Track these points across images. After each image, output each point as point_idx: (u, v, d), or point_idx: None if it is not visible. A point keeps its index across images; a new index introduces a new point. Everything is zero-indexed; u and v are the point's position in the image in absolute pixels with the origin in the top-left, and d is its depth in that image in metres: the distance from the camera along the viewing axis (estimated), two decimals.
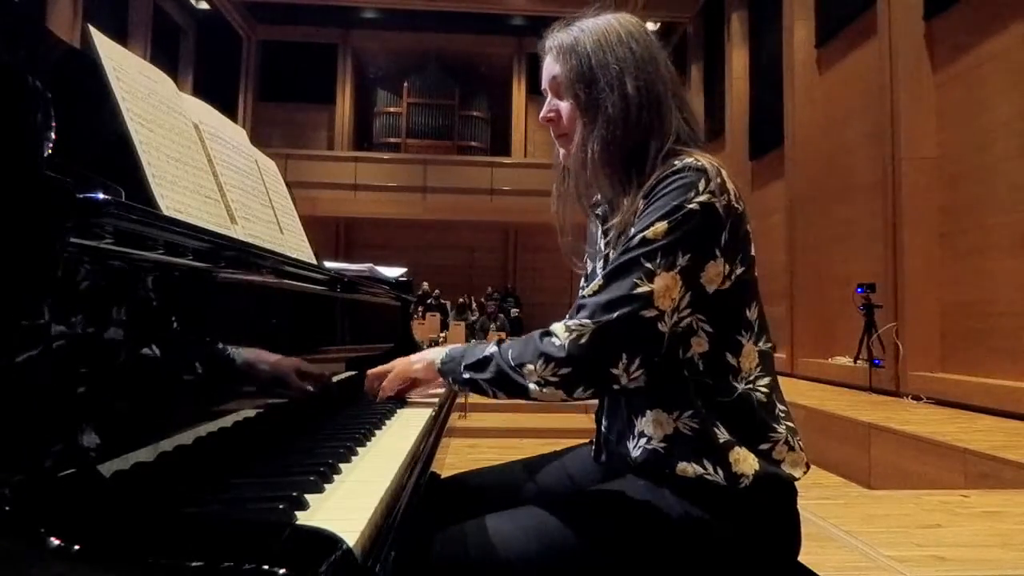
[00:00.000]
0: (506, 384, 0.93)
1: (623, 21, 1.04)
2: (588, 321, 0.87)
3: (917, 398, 5.60)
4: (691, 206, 0.90)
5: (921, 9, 6.04)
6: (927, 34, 6.02)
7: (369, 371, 1.20)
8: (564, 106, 1.05)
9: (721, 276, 0.92)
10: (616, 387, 0.89)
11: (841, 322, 7.20)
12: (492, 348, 0.96)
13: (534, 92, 14.58)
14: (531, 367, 0.89)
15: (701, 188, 0.90)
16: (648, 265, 0.88)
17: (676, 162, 0.93)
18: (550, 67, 1.05)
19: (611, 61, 0.99)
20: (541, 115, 1.08)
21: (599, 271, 1.03)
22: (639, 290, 0.87)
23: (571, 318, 0.91)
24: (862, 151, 7.00)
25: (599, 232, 1.10)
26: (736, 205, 0.93)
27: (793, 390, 6.37)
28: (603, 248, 1.08)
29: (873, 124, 6.58)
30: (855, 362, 6.47)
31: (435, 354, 1.08)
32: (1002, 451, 3.49)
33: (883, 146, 6.29)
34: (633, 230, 0.92)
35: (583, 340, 0.87)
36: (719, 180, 0.92)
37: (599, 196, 1.09)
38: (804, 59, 8.19)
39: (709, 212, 0.90)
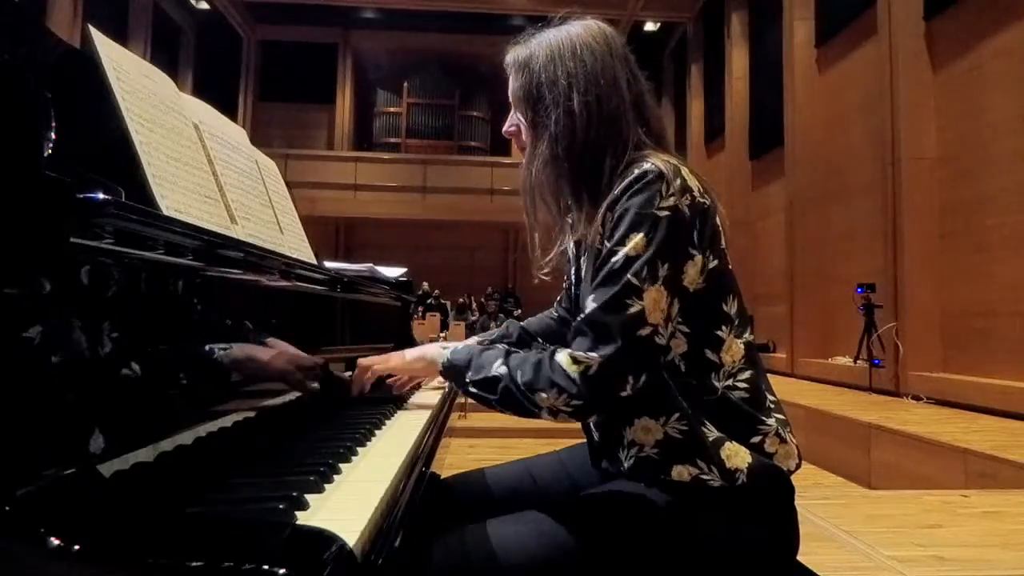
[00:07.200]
0: (515, 407, 0.92)
1: (583, 31, 1.01)
2: (593, 354, 0.86)
3: (917, 398, 5.60)
4: (660, 213, 0.89)
5: (921, 9, 6.04)
6: (927, 34, 6.02)
7: (361, 361, 1.21)
8: (520, 121, 1.05)
9: (699, 272, 0.93)
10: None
11: (841, 322, 7.20)
12: (500, 368, 0.93)
13: None
14: (543, 395, 0.88)
15: (664, 192, 0.90)
16: (635, 282, 0.87)
17: (635, 168, 0.92)
18: (510, 81, 1.06)
19: (560, 76, 0.98)
20: (504, 129, 1.09)
21: (581, 277, 1.04)
22: (631, 311, 0.87)
23: (572, 341, 0.90)
24: (862, 151, 7.00)
25: (569, 239, 1.09)
26: (702, 200, 0.93)
27: (793, 390, 6.37)
28: (572, 256, 1.09)
29: (873, 124, 6.58)
30: (855, 362, 6.47)
31: (435, 354, 1.08)
32: (1002, 451, 3.49)
33: (883, 146, 6.29)
34: (608, 243, 0.91)
35: (591, 372, 0.86)
36: (678, 182, 0.91)
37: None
38: (804, 59, 8.19)
39: (677, 216, 0.90)
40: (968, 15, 5.58)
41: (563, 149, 0.97)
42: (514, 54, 1.05)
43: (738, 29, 10.34)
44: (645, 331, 0.87)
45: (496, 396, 0.93)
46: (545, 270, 1.09)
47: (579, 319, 0.91)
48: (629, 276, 0.88)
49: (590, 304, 0.90)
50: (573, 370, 0.86)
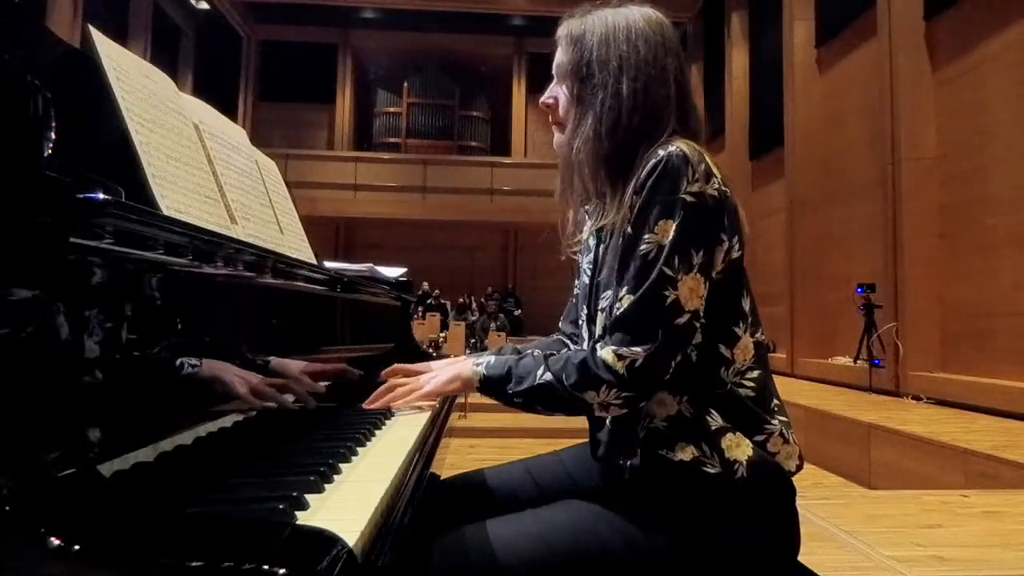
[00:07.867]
0: (564, 409, 0.95)
1: (639, 17, 1.02)
2: (637, 348, 0.88)
3: (917, 398, 5.60)
4: (687, 198, 0.89)
5: (921, 9, 6.05)
6: (927, 34, 6.02)
7: (394, 394, 1.11)
8: (562, 95, 1.05)
9: (723, 260, 0.93)
10: None
11: (841, 322, 7.20)
12: (545, 375, 0.94)
13: (534, 92, 14.56)
14: (593, 393, 0.90)
15: (691, 176, 0.90)
16: (669, 272, 0.88)
17: (660, 150, 0.92)
18: (559, 53, 1.06)
19: (612, 58, 0.99)
20: (541, 99, 1.09)
21: (597, 271, 1.03)
22: (669, 301, 0.88)
23: (612, 335, 0.90)
24: (862, 151, 7.00)
25: (590, 228, 1.09)
26: (724, 188, 0.94)
27: (793, 390, 6.37)
28: (592, 245, 1.07)
29: (873, 124, 6.59)
30: (855, 362, 6.47)
31: (469, 372, 1.03)
32: (1002, 451, 3.49)
33: (883, 146, 6.29)
34: (635, 229, 0.91)
35: (637, 365, 0.88)
36: (703, 167, 0.91)
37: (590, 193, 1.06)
38: (804, 59, 8.19)
39: (704, 201, 0.90)
40: (968, 15, 5.58)
41: (607, 130, 0.97)
42: (568, 27, 1.05)
43: (738, 29, 10.34)
44: (683, 319, 0.89)
45: (544, 403, 0.95)
46: (575, 249, 1.11)
47: (617, 313, 0.91)
48: (662, 266, 0.88)
49: (626, 296, 0.90)
50: (619, 366, 0.88)
